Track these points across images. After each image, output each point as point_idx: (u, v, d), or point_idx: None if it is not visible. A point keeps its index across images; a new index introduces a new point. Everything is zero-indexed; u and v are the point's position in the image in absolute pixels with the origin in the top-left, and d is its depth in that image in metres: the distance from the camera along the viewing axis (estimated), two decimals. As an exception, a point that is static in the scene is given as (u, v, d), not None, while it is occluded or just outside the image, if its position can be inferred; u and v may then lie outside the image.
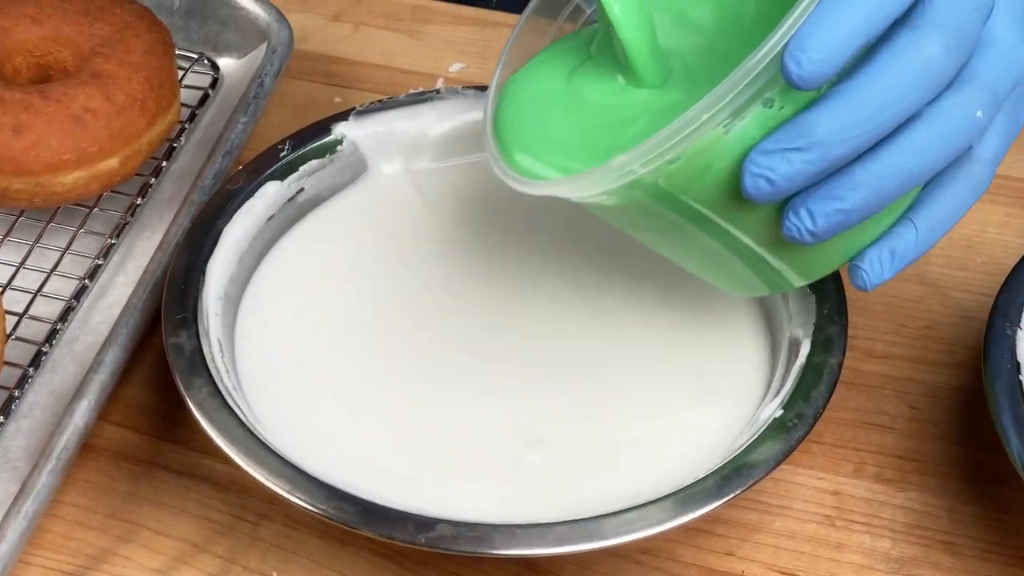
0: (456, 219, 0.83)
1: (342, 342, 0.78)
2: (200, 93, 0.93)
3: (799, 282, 0.72)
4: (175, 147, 0.89)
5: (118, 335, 0.78)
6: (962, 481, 0.78)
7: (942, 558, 0.75)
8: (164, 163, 0.88)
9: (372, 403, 0.76)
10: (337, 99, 0.97)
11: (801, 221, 0.64)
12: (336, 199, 0.84)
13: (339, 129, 0.84)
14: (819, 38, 0.60)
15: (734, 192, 0.65)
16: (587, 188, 0.65)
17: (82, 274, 0.83)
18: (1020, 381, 0.73)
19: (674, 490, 0.69)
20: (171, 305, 0.75)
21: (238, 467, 0.70)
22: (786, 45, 0.60)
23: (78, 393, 0.76)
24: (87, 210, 0.86)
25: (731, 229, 0.67)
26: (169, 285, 0.76)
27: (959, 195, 0.69)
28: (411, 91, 0.86)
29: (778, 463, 0.70)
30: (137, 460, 0.79)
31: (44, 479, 0.74)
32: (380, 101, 0.85)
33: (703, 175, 0.64)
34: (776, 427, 0.71)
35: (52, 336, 0.80)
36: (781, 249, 0.69)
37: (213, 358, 0.74)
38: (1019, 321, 0.75)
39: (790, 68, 0.60)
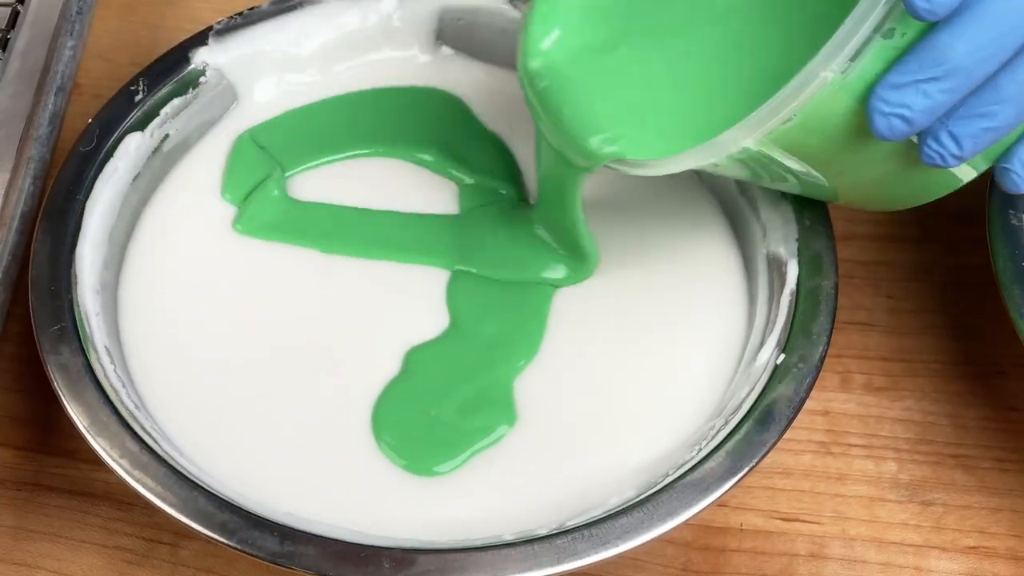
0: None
1: (248, 323, 0.66)
2: (7, 11, 0.78)
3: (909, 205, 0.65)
4: (-9, 84, 0.74)
5: (-28, 343, 0.65)
6: (960, 380, 0.70)
7: (955, 475, 0.67)
8: (-19, 107, 0.73)
9: (297, 392, 0.64)
10: (167, -10, 0.83)
11: (944, 148, 0.56)
12: (207, 140, 0.71)
13: (199, 56, 0.70)
14: None
15: (852, 137, 0.57)
16: (700, 160, 0.58)
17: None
18: (1038, 280, 0.64)
19: (682, 472, 0.59)
20: (43, 315, 0.62)
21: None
22: None
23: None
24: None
25: (832, 178, 0.60)
26: (35, 287, 0.63)
27: None
28: (274, -3, 0.72)
29: (790, 422, 0.61)
30: (18, 484, 0.67)
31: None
32: (240, 15, 0.71)
33: (823, 127, 0.56)
34: (780, 377, 0.61)
35: None
36: (902, 178, 0.61)
37: (106, 375, 0.61)
38: (1023, 206, 0.66)
39: (916, 3, 0.52)
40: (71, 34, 0.74)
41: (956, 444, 0.68)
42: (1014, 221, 0.65)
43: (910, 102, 0.54)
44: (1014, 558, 0.65)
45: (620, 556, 0.58)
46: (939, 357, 0.70)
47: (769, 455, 0.65)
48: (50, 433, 0.68)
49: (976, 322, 0.71)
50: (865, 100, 0.55)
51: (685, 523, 0.62)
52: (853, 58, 0.54)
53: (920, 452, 0.68)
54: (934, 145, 0.56)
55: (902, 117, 0.54)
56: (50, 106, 0.72)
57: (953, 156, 0.56)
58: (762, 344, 0.63)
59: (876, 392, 0.69)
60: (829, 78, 0.54)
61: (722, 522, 0.66)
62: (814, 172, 0.60)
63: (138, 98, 0.69)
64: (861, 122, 0.56)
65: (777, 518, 0.66)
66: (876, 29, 0.53)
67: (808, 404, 0.67)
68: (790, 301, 0.63)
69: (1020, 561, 0.65)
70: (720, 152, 0.57)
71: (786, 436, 0.67)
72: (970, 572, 0.65)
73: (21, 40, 0.77)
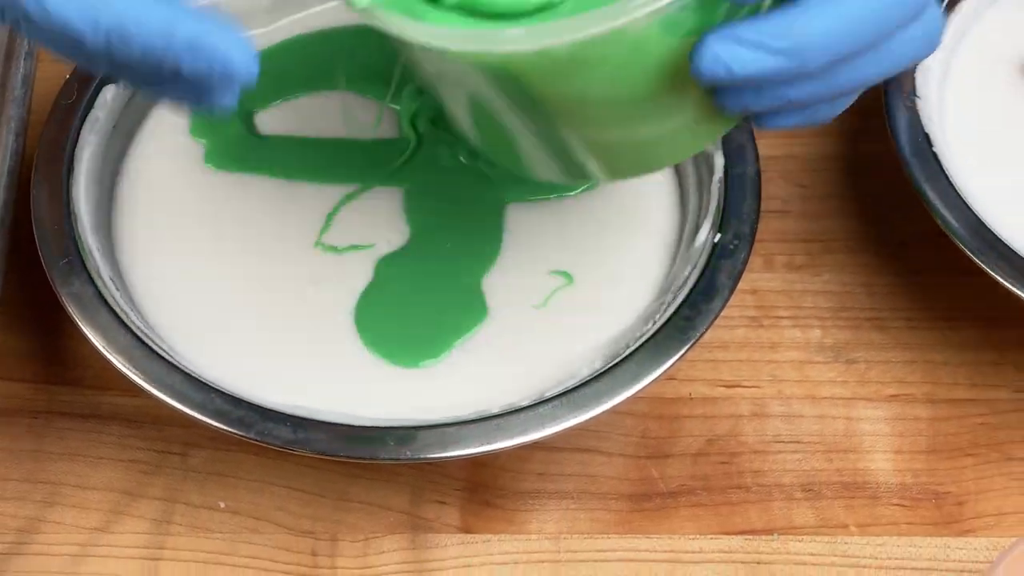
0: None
1: (231, 247, 0.72)
2: (-33, -14, 0.83)
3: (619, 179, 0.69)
4: (-40, 54, 0.80)
5: (-20, 288, 0.71)
6: (869, 254, 0.78)
7: (873, 336, 0.76)
8: (-45, 76, 0.79)
9: (286, 305, 0.71)
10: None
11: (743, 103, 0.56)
12: (175, 88, 0.77)
13: (162, 11, 0.76)
14: None
15: (618, 86, 0.56)
16: (459, 41, 0.55)
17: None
18: (935, 153, 0.72)
19: (642, 342, 0.67)
20: (50, 251, 0.69)
21: (146, 398, 0.66)
22: None
23: (-43, 361, 0.69)
24: None
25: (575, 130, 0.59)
26: (39, 226, 0.69)
27: None
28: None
29: (731, 292, 0.69)
30: (33, 412, 0.73)
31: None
32: (196, -29, 0.77)
33: (601, 64, 0.55)
34: (718, 253, 0.69)
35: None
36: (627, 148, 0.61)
37: (117, 301, 0.68)
38: (915, 91, 0.74)
39: None
40: (33, 3, 0.80)
41: (871, 309, 0.76)
42: (907, 103, 0.74)
43: (747, 60, 0.53)
44: (930, 401, 0.73)
45: (589, 425, 0.65)
46: (850, 235, 0.79)
47: (708, 332, 0.73)
48: (56, 365, 0.74)
49: (880, 202, 0.79)
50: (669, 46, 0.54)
51: (642, 393, 0.69)
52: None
53: (841, 318, 0.76)
54: (733, 100, 0.55)
55: (728, 68, 0.53)
56: (21, 69, 0.78)
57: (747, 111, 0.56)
58: (698, 227, 0.71)
59: (797, 270, 0.77)
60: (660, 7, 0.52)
61: (672, 394, 0.74)
62: (556, 120, 0.58)
63: (111, 53, 0.75)
64: (647, 66, 0.55)
65: (721, 386, 0.74)
66: None
67: (738, 285, 0.76)
68: (719, 188, 0.71)
69: (936, 403, 0.73)
70: (491, 43, 0.54)
71: (721, 314, 0.74)
72: (894, 417, 0.73)
73: (-17, 12, 0.82)
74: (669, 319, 0.67)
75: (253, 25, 0.76)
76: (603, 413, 0.65)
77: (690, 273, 0.69)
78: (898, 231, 0.78)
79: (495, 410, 0.65)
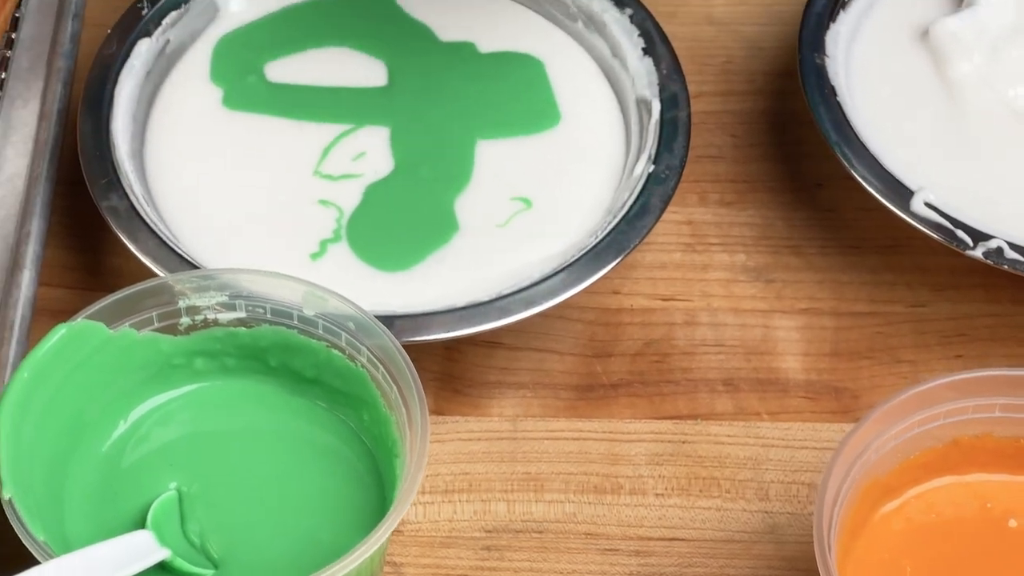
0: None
1: (245, 174, 0.86)
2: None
3: None
4: (17, 16, 0.93)
5: (35, 204, 0.85)
6: (789, 192, 0.91)
7: (789, 260, 0.89)
8: (12, 34, 0.92)
9: (290, 221, 0.84)
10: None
11: None
12: (198, 42, 0.91)
13: (185, -21, 0.91)
14: None
15: None
16: None
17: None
18: (839, 102, 0.86)
19: (585, 251, 0.80)
20: (93, 172, 0.82)
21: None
22: None
23: (16, 265, 0.83)
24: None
25: None
26: (84, 153, 0.83)
27: None
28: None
29: (663, 210, 0.82)
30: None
31: (13, 349, 0.80)
32: (213, -57, 0.91)
33: None
34: (652, 181, 0.83)
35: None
36: None
37: (147, 214, 0.81)
38: (824, 50, 0.87)
39: None
40: (78, -27, 0.94)
41: (788, 238, 0.89)
42: (818, 61, 0.87)
43: None
44: (836, 313, 0.87)
45: (542, 327, 0.78)
46: (773, 177, 0.92)
47: (648, 255, 0.87)
48: (94, 276, 0.87)
49: (800, 150, 0.93)
50: None
51: (590, 303, 0.82)
52: None
53: (762, 245, 0.89)
54: None
55: None
56: (69, 28, 0.91)
57: None
58: (637, 160, 0.84)
59: (727, 205, 0.91)
60: None
61: (616, 305, 0.87)
62: None
63: (144, 12, 0.89)
64: None
65: (658, 299, 0.87)
66: None
67: (675, 216, 0.89)
68: (656, 128, 0.85)
69: (840, 315, 0.87)
70: None
71: (660, 241, 0.88)
72: (804, 326, 0.86)
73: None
74: (609, 233, 0.81)
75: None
76: (551, 307, 0.78)
77: (628, 197, 0.82)
78: (815, 175, 0.92)
79: (460, 303, 0.78)
